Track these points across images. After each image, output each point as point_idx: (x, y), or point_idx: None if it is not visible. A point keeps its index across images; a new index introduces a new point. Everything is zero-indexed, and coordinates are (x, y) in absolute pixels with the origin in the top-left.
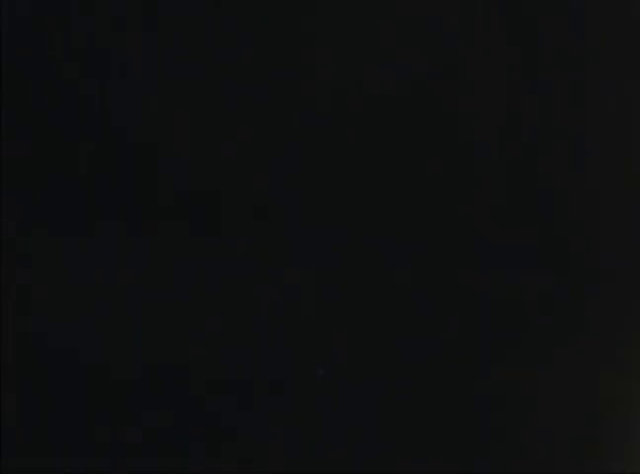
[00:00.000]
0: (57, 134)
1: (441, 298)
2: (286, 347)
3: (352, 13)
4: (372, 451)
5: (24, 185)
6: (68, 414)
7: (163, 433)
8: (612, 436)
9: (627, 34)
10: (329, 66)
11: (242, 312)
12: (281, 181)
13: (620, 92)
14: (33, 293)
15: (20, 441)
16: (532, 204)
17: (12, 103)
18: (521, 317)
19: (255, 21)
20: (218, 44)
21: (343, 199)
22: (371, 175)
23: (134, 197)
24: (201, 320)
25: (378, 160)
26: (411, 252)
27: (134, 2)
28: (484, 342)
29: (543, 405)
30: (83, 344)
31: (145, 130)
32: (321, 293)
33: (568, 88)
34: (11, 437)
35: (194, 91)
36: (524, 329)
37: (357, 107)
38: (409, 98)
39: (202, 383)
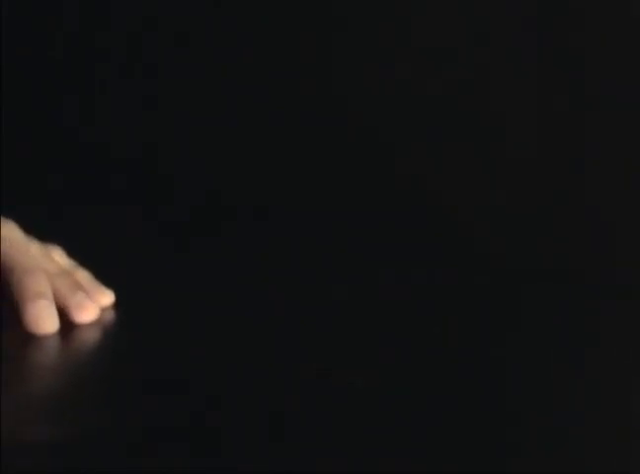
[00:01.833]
0: (57, 134)
1: (441, 298)
2: (287, 347)
3: (353, 12)
4: (374, 453)
5: (24, 185)
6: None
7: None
8: (612, 437)
9: (627, 34)
10: (329, 66)
11: (241, 313)
12: (282, 181)
13: (620, 92)
14: None
15: None
16: (532, 204)
17: (12, 103)
18: (521, 318)
19: (255, 21)
20: (218, 44)
21: (343, 199)
22: (372, 175)
23: (134, 196)
24: (202, 320)
25: (379, 160)
26: (412, 251)
27: (135, 2)
28: (483, 342)
29: (543, 405)
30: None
31: (145, 130)
32: (322, 294)
33: (568, 88)
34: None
35: (194, 91)
36: (524, 330)
37: (357, 107)
38: (410, 99)
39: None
